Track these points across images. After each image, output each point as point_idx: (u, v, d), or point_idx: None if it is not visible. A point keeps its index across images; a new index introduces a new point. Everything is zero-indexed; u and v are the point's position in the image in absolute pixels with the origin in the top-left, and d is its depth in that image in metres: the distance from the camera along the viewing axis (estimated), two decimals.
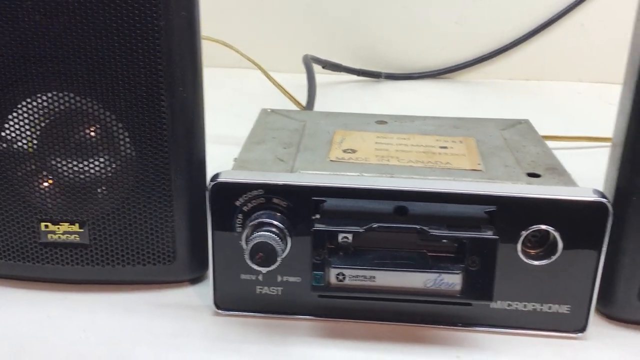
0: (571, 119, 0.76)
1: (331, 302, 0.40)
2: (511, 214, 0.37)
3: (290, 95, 0.68)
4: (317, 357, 0.38)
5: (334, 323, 0.40)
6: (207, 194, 0.38)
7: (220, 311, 0.41)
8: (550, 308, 0.39)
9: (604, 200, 0.36)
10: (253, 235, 0.36)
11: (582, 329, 0.39)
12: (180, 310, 0.41)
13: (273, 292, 0.40)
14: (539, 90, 0.89)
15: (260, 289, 0.40)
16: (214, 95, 0.79)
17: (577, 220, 0.36)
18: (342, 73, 0.87)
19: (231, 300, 0.40)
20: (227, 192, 0.38)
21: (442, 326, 0.40)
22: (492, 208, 0.36)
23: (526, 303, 0.39)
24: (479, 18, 0.91)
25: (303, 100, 0.70)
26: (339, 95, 0.84)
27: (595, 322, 0.40)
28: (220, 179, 0.38)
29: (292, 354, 0.38)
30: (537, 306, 0.39)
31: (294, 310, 0.40)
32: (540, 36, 0.91)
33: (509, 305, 0.39)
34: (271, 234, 0.36)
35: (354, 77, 0.89)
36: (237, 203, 0.38)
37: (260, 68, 0.69)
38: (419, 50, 0.92)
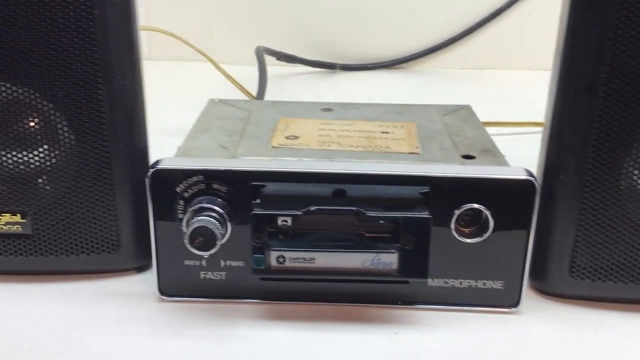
0: (522, 105, 0.78)
1: (274, 285, 0.41)
2: (444, 193, 0.38)
3: (241, 86, 0.68)
4: (260, 338, 0.38)
5: (277, 305, 0.41)
6: (147, 181, 0.38)
7: (164, 297, 0.41)
8: (484, 284, 0.40)
9: (531, 178, 0.37)
10: (193, 220, 0.37)
11: (515, 304, 0.40)
12: (126, 298, 0.42)
13: (217, 277, 0.41)
14: (491, 78, 0.91)
15: (204, 274, 0.40)
16: (168, 87, 0.79)
17: (506, 199, 0.38)
18: (297, 64, 0.88)
19: (175, 286, 0.41)
20: (168, 179, 0.38)
21: (381, 305, 0.41)
22: (425, 189, 0.38)
23: (462, 280, 0.40)
24: (429, 8, 0.92)
25: (257, 92, 0.71)
26: (293, 87, 0.85)
27: (530, 297, 0.41)
28: (160, 166, 0.38)
29: (235, 336, 0.38)
30: (472, 283, 0.40)
31: (238, 294, 0.41)
32: (490, 25, 0.93)
33: (445, 282, 0.40)
34: (211, 218, 0.37)
35: (309, 69, 0.90)
36: (178, 189, 0.38)
37: (210, 60, 0.70)
38: (374, 41, 0.94)
